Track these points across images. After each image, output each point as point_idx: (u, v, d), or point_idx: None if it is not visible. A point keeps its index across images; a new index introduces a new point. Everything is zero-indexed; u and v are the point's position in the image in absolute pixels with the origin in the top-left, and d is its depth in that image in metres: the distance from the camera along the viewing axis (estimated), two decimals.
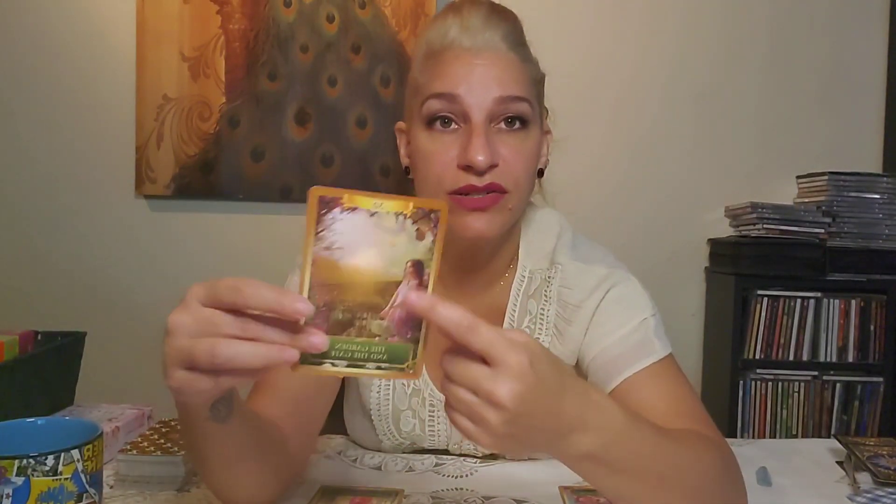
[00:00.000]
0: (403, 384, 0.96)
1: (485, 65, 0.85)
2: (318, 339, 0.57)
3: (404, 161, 0.95)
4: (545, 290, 0.96)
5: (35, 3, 2.25)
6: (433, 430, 0.97)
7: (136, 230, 2.28)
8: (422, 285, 0.60)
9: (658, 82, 2.31)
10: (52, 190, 2.29)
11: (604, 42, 2.30)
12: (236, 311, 0.56)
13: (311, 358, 0.58)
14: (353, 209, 0.58)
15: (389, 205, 0.59)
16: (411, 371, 0.61)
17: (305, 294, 0.58)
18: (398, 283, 0.60)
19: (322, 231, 0.57)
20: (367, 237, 0.58)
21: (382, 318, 0.60)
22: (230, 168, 2.23)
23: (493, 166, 0.84)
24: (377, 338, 0.60)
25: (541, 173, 0.96)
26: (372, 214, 0.58)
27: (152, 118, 2.23)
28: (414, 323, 0.60)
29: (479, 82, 0.84)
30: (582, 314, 0.93)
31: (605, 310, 0.93)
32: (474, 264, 0.95)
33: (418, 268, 0.60)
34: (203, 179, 2.23)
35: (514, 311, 0.96)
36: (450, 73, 0.85)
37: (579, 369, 0.95)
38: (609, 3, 2.30)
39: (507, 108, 0.85)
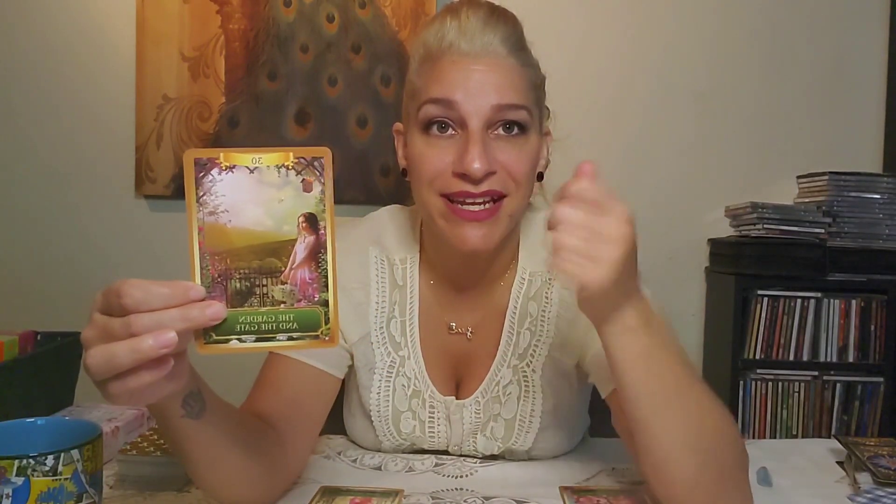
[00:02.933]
0: (403, 386, 0.96)
1: (483, 71, 0.83)
2: (213, 310, 0.55)
3: (402, 163, 0.93)
4: (546, 292, 0.96)
5: (35, 3, 2.25)
6: (433, 432, 0.97)
7: (136, 230, 2.28)
8: (318, 240, 0.57)
9: (658, 82, 2.30)
10: (52, 190, 2.29)
11: (603, 41, 2.30)
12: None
13: (215, 336, 0.56)
14: (232, 168, 0.55)
15: (269, 158, 0.56)
16: (327, 338, 0.58)
17: (197, 266, 0.55)
18: (294, 241, 0.57)
19: (203, 196, 0.55)
20: (252, 195, 0.56)
21: (284, 283, 0.57)
22: None
23: (490, 174, 0.82)
24: (282, 305, 0.57)
25: (540, 177, 0.94)
26: (252, 171, 0.56)
27: (152, 118, 2.23)
28: (320, 284, 0.57)
29: (476, 89, 0.83)
30: (584, 315, 0.93)
31: None
32: (473, 268, 0.95)
33: (312, 221, 0.57)
34: None
35: (515, 313, 0.96)
36: (447, 79, 0.84)
37: (580, 369, 0.95)
38: (608, 2, 2.30)
39: (504, 115, 0.84)
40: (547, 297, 0.95)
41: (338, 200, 0.58)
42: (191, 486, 0.87)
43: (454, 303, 0.97)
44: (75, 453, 0.62)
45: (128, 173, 2.25)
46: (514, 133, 0.85)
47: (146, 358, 0.53)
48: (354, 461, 0.97)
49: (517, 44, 0.87)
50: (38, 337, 1.13)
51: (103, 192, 2.28)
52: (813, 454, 1.03)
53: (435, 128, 0.85)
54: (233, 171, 0.56)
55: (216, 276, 0.56)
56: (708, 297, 2.34)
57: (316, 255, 0.57)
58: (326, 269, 0.57)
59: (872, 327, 2.10)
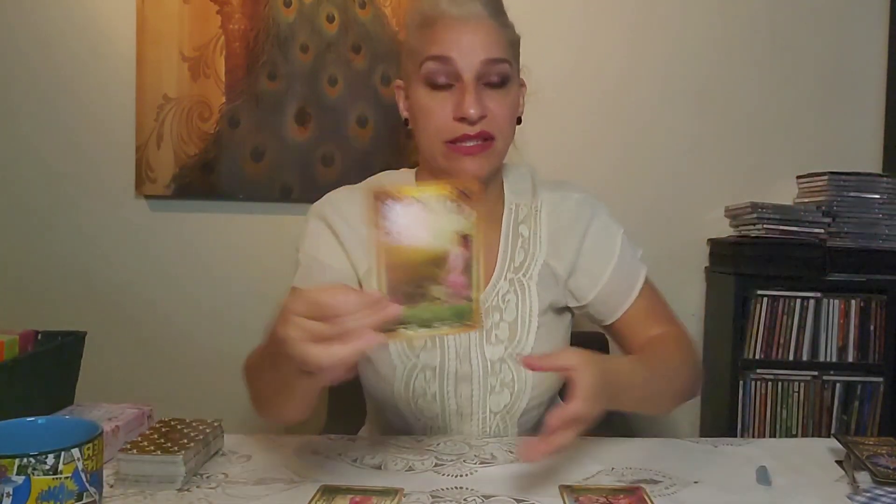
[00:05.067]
0: None
1: (471, 31, 1.04)
2: (394, 310, 0.72)
3: (404, 114, 1.14)
4: (535, 216, 1.17)
5: (35, 3, 2.25)
6: (442, 342, 1.10)
7: (136, 230, 2.28)
8: (468, 250, 0.75)
9: (657, 81, 2.30)
10: (52, 190, 2.29)
11: (602, 38, 2.29)
12: None
13: (390, 327, 0.73)
14: (403, 199, 0.72)
15: (431, 190, 0.74)
16: (471, 324, 0.77)
17: (384, 280, 0.72)
18: (450, 254, 0.74)
19: (383, 222, 0.72)
20: (419, 220, 0.73)
21: (441, 284, 0.74)
22: (230, 168, 2.23)
23: (482, 117, 1.03)
24: (439, 300, 0.74)
25: (518, 120, 1.14)
26: (419, 201, 0.73)
27: (152, 118, 2.23)
28: (470, 285, 0.75)
29: (467, 47, 1.03)
30: (573, 235, 1.17)
31: (593, 244, 1.17)
32: None
33: (464, 238, 0.74)
34: (203, 179, 2.23)
35: (508, 236, 1.16)
36: (443, 39, 1.04)
37: (567, 287, 1.18)
38: (610, 1, 2.30)
39: (491, 68, 1.05)
40: (536, 220, 1.17)
41: None
42: (191, 485, 0.87)
43: None
44: (76, 452, 0.62)
45: (128, 173, 2.25)
46: (499, 83, 1.06)
47: (361, 354, 0.70)
48: (354, 460, 0.98)
49: (497, 8, 1.08)
50: (39, 336, 1.13)
51: (103, 192, 2.28)
52: (812, 453, 1.03)
53: (437, 79, 1.04)
54: (404, 202, 0.72)
55: (394, 283, 0.73)
56: (708, 297, 2.34)
57: (467, 263, 0.75)
58: (473, 274, 0.75)
59: (872, 327, 2.10)
